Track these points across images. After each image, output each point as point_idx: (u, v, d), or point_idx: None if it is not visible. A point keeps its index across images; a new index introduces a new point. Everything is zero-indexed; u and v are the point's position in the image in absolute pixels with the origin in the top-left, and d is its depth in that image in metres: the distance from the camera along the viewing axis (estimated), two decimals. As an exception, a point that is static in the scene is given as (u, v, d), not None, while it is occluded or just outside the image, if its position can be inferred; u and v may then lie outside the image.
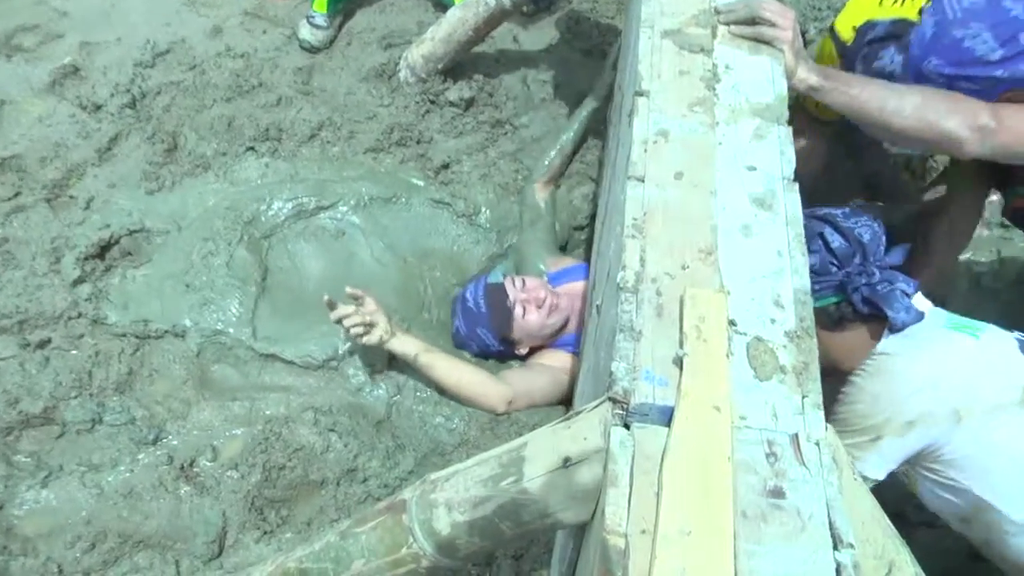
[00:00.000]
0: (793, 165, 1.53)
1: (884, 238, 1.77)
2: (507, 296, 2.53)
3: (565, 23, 3.69)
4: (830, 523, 1.04)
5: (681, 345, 1.21)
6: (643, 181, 1.47)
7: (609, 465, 1.10)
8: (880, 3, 2.26)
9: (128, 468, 2.35)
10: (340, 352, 2.56)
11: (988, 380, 1.63)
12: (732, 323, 1.26)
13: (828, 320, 1.76)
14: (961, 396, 1.61)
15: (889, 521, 1.32)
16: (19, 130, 2.98)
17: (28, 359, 2.48)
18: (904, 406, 1.64)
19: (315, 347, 2.56)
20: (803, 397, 1.18)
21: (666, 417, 1.15)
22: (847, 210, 1.80)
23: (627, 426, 1.16)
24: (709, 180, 1.49)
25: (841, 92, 1.87)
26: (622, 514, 1.04)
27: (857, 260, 1.74)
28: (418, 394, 2.53)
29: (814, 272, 1.65)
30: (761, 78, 1.72)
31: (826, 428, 1.15)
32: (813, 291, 1.66)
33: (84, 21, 3.60)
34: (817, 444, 1.12)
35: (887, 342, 1.73)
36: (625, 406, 1.16)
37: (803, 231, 1.42)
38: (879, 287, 1.70)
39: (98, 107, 3.18)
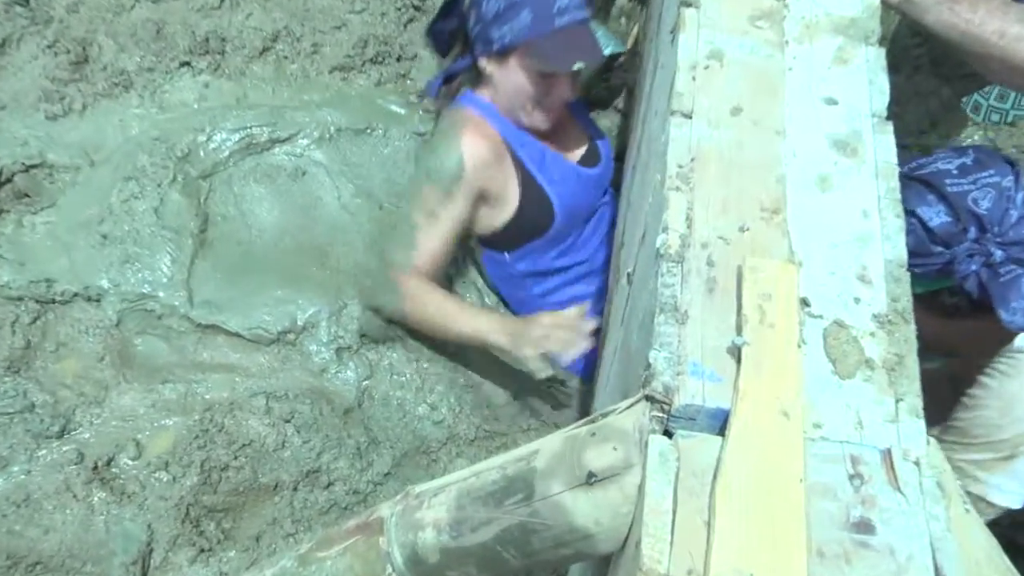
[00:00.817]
0: (887, 98, 1.51)
1: (1019, 197, 1.71)
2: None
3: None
4: (935, 567, 1.03)
5: (739, 331, 1.19)
6: (690, 118, 1.45)
7: (646, 484, 1.09)
8: None
9: (24, 469, 2.34)
10: (299, 323, 2.55)
11: None
12: (804, 303, 1.25)
13: (937, 309, 1.72)
14: None
15: (1010, 563, 1.31)
16: None
17: None
18: None
19: (268, 316, 2.56)
20: (897, 401, 1.16)
21: (719, 423, 1.14)
22: (967, 161, 1.71)
23: (669, 433, 1.15)
24: (776, 117, 1.47)
25: (948, 10, 1.82)
26: (662, 548, 1.03)
27: (971, 235, 1.68)
28: (395, 376, 2.53)
29: (910, 252, 1.63)
30: (846, -17, 1.70)
31: (928, 442, 1.12)
32: (913, 275, 1.64)
33: None
34: (917, 463, 1.11)
35: None
36: (666, 407, 1.15)
37: (897, 184, 1.40)
38: (1002, 272, 1.65)
39: (-22, 2, 3.14)
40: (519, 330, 2.35)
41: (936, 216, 1.66)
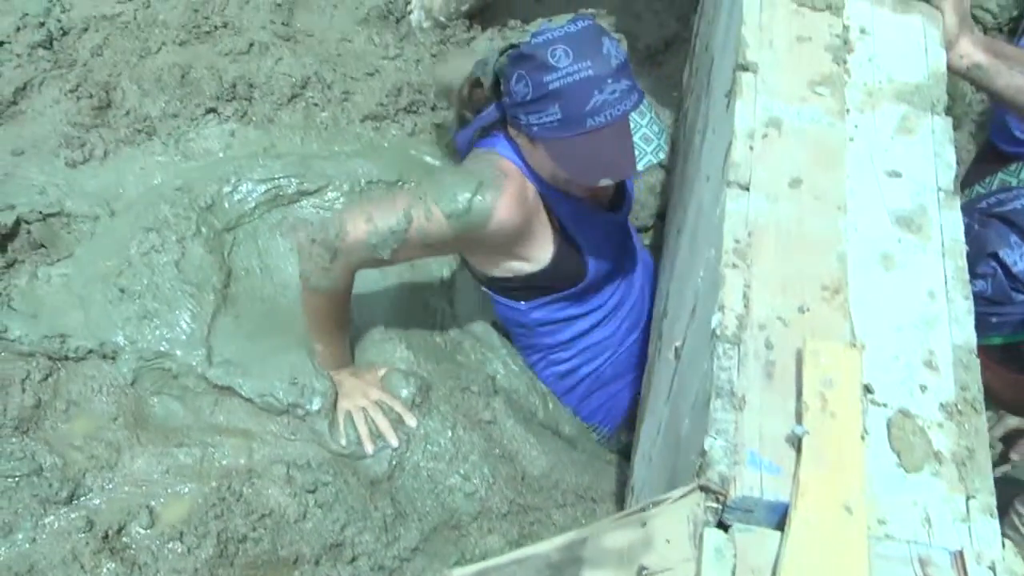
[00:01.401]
0: (953, 171, 1.52)
1: None
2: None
3: (631, -47, 3.70)
4: None
5: (799, 419, 1.19)
6: (748, 190, 1.46)
7: (701, 582, 1.09)
8: None
9: (29, 536, 2.33)
10: (307, 397, 2.55)
11: None
12: (868, 389, 1.25)
13: (1015, 362, 1.70)
14: None
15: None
16: None
17: None
18: None
19: (279, 384, 2.55)
20: (968, 498, 1.16)
21: (777, 517, 1.14)
22: None
23: (724, 526, 1.15)
24: (837, 190, 1.48)
25: (1020, 74, 1.83)
26: (720, 653, 1.03)
27: None
28: (429, 447, 2.52)
29: (988, 301, 1.61)
30: (910, 47, 1.72)
31: (1004, 545, 1.12)
32: (989, 323, 1.62)
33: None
34: (992, 568, 1.10)
35: None
36: (722, 499, 1.15)
37: (965, 264, 1.40)
38: None
39: (0, 44, 3.19)
40: (351, 386, 2.51)
41: (1021, 260, 1.63)
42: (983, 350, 1.68)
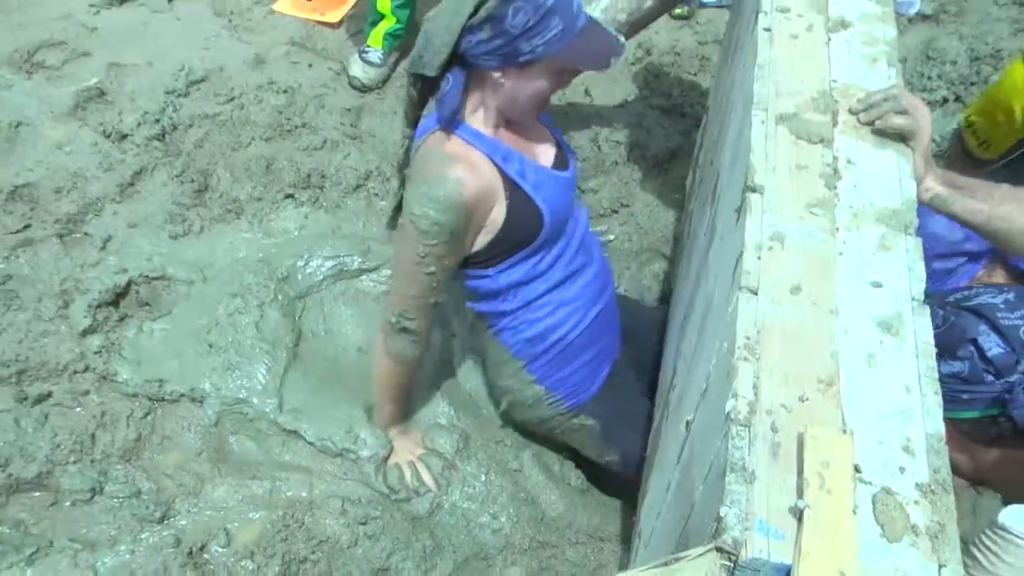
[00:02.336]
0: (923, 284, 1.51)
1: None
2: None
3: (643, 77, 3.73)
4: None
5: (800, 494, 1.19)
6: (756, 294, 1.45)
7: (718, 631, 1.09)
8: None
9: (129, 548, 2.34)
10: (359, 443, 2.58)
11: None
12: (857, 469, 1.24)
13: (981, 435, 1.68)
14: None
15: None
16: (35, 156, 3.02)
17: (24, 415, 2.50)
18: None
19: (336, 431, 2.58)
20: (940, 567, 1.15)
21: None
22: (1011, 297, 1.69)
23: None
24: (830, 297, 1.47)
25: (969, 199, 1.85)
26: None
27: (1022, 368, 1.64)
28: (466, 489, 2.53)
29: (963, 380, 1.60)
30: (888, 177, 1.71)
31: (967, 606, 1.12)
32: (961, 400, 1.62)
33: (114, 40, 3.68)
34: None
35: None
36: (735, 559, 1.14)
37: (935, 364, 1.40)
38: None
39: (123, 136, 3.25)
40: (400, 445, 2.56)
41: (994, 347, 1.60)
42: (952, 423, 1.68)
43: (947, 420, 1.64)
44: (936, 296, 1.69)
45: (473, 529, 2.47)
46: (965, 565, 1.61)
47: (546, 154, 2.43)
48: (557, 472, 2.66)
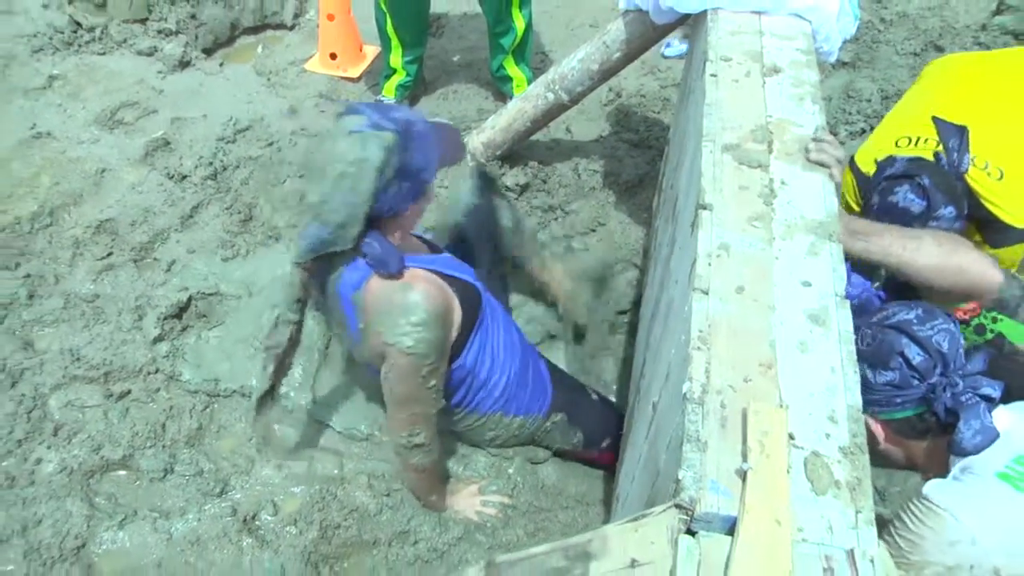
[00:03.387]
0: (844, 282, 1.53)
1: (962, 339, 1.68)
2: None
3: (615, 116, 3.75)
4: (884, 637, 1.03)
5: (745, 458, 1.20)
6: (707, 294, 1.47)
7: (677, 571, 1.10)
8: (896, 143, 2.30)
9: (195, 517, 2.38)
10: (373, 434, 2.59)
11: None
12: (791, 437, 1.26)
13: (912, 430, 1.69)
14: (1002, 558, 1.49)
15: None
16: (115, 196, 3.05)
17: (111, 409, 2.55)
18: (940, 555, 1.54)
19: (360, 420, 2.60)
20: (857, 512, 1.17)
21: (728, 526, 1.14)
22: (920, 312, 1.69)
23: (692, 533, 1.15)
24: (768, 295, 1.49)
25: (865, 240, 1.87)
26: (689, 621, 1.04)
27: (938, 371, 1.65)
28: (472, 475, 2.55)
29: (895, 387, 1.62)
30: (815, 195, 1.72)
31: (879, 545, 1.13)
32: (895, 403, 1.64)
33: (176, 98, 3.73)
34: (872, 561, 1.11)
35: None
36: (691, 513, 1.16)
37: (854, 348, 1.42)
38: (963, 398, 1.61)
39: (184, 177, 3.28)
40: (462, 506, 2.41)
41: (916, 355, 1.61)
42: (888, 423, 1.70)
43: (884, 421, 1.69)
44: (863, 320, 1.71)
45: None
46: (894, 526, 1.63)
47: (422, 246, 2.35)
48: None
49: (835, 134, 3.61)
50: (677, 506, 1.17)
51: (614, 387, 2.87)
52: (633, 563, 1.17)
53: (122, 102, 3.65)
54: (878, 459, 2.22)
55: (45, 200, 3.20)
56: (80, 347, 2.71)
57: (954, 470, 1.62)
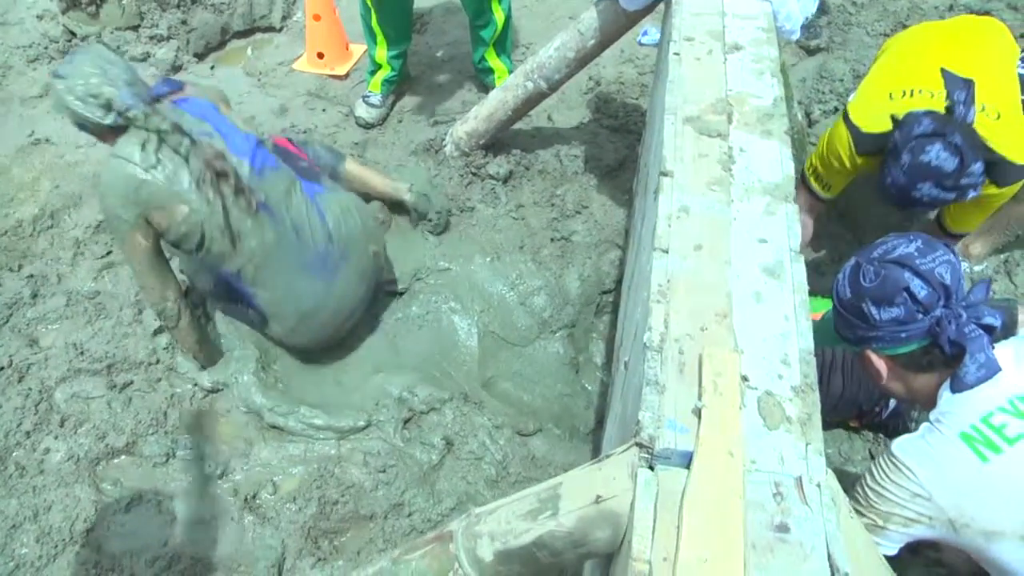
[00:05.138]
0: (799, 239, 1.59)
1: (961, 268, 1.69)
2: None
3: (595, 103, 3.81)
4: (828, 554, 1.10)
5: (699, 398, 1.27)
6: (667, 252, 1.53)
7: (636, 502, 1.17)
8: (890, 96, 2.35)
9: (198, 498, 2.46)
10: (359, 424, 2.61)
11: (985, 507, 1.55)
12: (745, 379, 1.32)
13: (916, 365, 1.69)
14: (955, 513, 1.56)
15: (882, 555, 1.38)
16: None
17: (114, 399, 2.60)
18: (901, 507, 1.61)
19: (349, 416, 2.63)
20: (807, 444, 1.23)
21: (686, 461, 1.21)
22: (920, 244, 1.68)
23: (652, 468, 1.22)
24: (725, 251, 1.55)
25: None
26: (646, 544, 1.10)
27: (942, 303, 1.64)
28: (475, 436, 2.60)
29: (900, 322, 1.62)
30: (771, 160, 1.79)
31: (827, 472, 1.20)
32: (900, 339, 1.65)
33: (169, 101, 3.75)
34: (818, 486, 1.18)
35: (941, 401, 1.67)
36: (650, 451, 1.22)
37: (807, 298, 1.48)
38: (967, 329, 1.61)
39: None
40: None
41: (921, 289, 1.61)
42: (892, 358, 1.71)
43: (888, 356, 1.71)
44: (863, 256, 1.74)
45: (475, 470, 2.53)
46: (864, 479, 1.69)
47: None
48: (543, 421, 2.72)
49: (808, 114, 3.67)
50: (638, 445, 1.24)
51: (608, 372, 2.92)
52: (598, 499, 1.24)
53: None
54: (881, 394, 2.30)
55: (46, 203, 3.28)
56: (83, 342, 2.78)
57: (923, 427, 1.66)
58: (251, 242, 2.39)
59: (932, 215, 2.77)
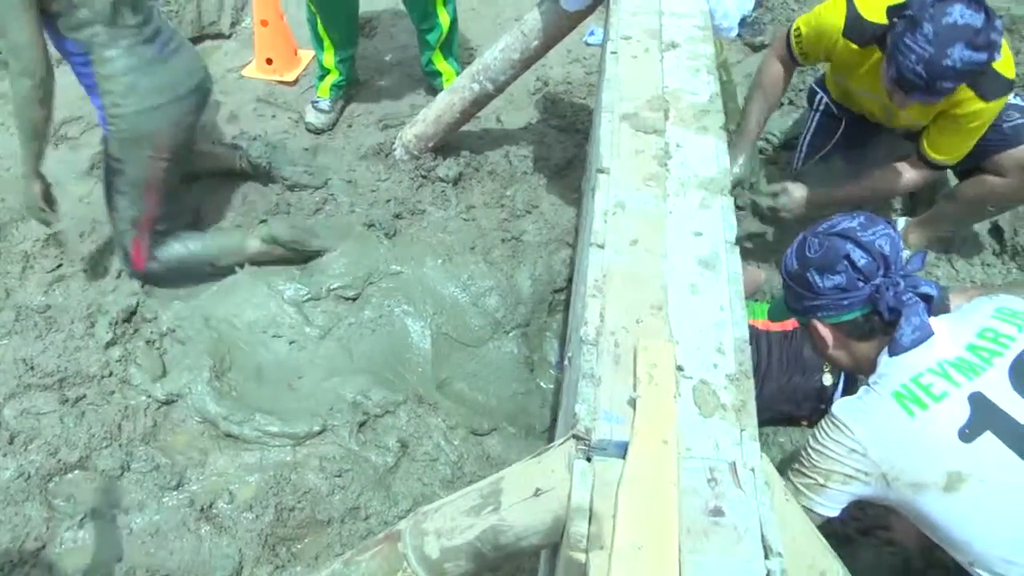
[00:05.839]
0: (735, 231, 1.62)
1: (900, 242, 1.76)
2: None
3: (543, 103, 3.84)
4: (762, 536, 1.12)
5: (634, 389, 1.29)
6: (603, 247, 1.56)
7: (572, 493, 1.18)
8: None
9: (154, 510, 2.43)
10: (315, 430, 2.60)
11: (911, 459, 1.61)
12: (680, 368, 1.35)
13: (858, 332, 1.77)
14: (887, 467, 1.62)
15: (821, 536, 1.41)
16: (63, 208, 3.05)
17: (66, 413, 2.58)
18: (840, 464, 1.66)
19: (299, 421, 2.62)
20: (741, 431, 1.26)
21: (622, 451, 1.22)
22: (862, 219, 1.75)
23: (589, 459, 1.24)
24: (660, 245, 1.58)
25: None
26: (583, 533, 1.12)
27: (881, 272, 1.71)
28: (430, 437, 2.60)
29: (842, 289, 1.70)
30: (707, 155, 1.82)
31: (760, 457, 1.23)
32: (842, 306, 1.72)
33: (120, 112, 3.72)
34: (752, 470, 1.20)
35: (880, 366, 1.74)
36: (587, 442, 1.24)
37: (742, 288, 1.51)
38: (904, 296, 1.68)
39: (131, 186, 3.29)
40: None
41: (861, 258, 1.68)
42: (836, 327, 1.78)
43: (833, 324, 1.78)
44: (810, 231, 1.80)
45: (430, 470, 2.53)
46: (807, 443, 1.74)
47: None
48: (497, 421, 2.73)
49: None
50: (575, 437, 1.26)
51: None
52: (537, 491, 1.26)
53: (66, 118, 3.67)
54: (829, 365, 2.36)
55: (-8, 217, 3.24)
56: (34, 356, 2.74)
57: (861, 389, 1.73)
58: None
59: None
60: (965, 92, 2.38)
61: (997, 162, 2.62)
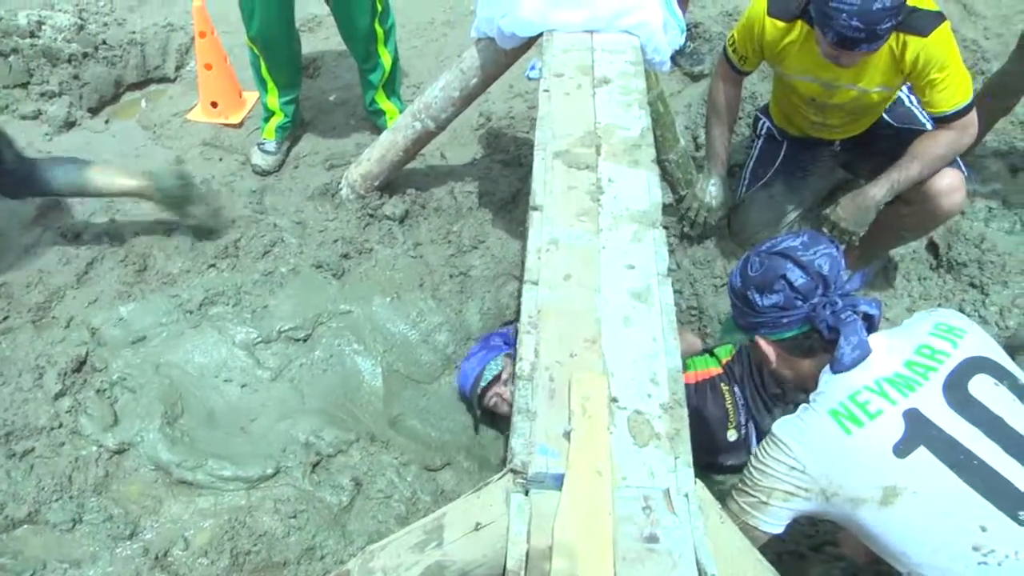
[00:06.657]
0: (666, 263, 1.66)
1: (842, 262, 1.81)
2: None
3: (486, 139, 3.88)
4: (696, 560, 1.15)
5: (569, 422, 1.32)
6: (537, 284, 1.59)
7: (510, 526, 1.21)
8: None
9: (108, 562, 2.39)
10: (268, 472, 2.59)
11: (849, 475, 1.65)
12: (615, 400, 1.38)
13: (800, 349, 1.82)
14: (825, 483, 1.66)
15: (760, 556, 1.44)
16: (8, 259, 3.05)
17: (14, 468, 2.53)
18: (780, 482, 1.71)
19: (252, 465, 2.60)
20: (676, 458, 1.29)
21: (558, 483, 1.25)
22: (805, 238, 1.81)
23: (526, 492, 1.26)
24: (594, 279, 1.61)
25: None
26: (521, 566, 1.15)
27: (820, 291, 1.76)
28: (383, 474, 2.60)
29: (780, 308, 1.76)
30: (639, 189, 1.86)
31: (695, 482, 1.26)
32: (781, 324, 1.78)
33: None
34: (686, 496, 1.24)
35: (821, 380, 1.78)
36: (524, 476, 1.27)
37: (675, 318, 1.55)
38: (843, 315, 1.72)
39: (77, 235, 3.28)
40: None
41: (799, 278, 1.74)
42: (778, 343, 1.84)
43: (774, 342, 1.85)
44: (753, 249, 1.87)
45: (384, 507, 2.53)
46: (749, 462, 1.78)
47: None
48: (451, 455, 2.75)
49: (696, 138, 3.79)
50: (512, 471, 1.28)
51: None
52: (477, 526, 1.29)
53: (9, 168, 3.65)
54: (773, 384, 2.41)
55: (-64, 269, 3.21)
56: (-21, 411, 2.71)
57: (800, 407, 1.77)
58: None
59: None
60: (906, 41, 2.47)
61: (904, 195, 2.76)
